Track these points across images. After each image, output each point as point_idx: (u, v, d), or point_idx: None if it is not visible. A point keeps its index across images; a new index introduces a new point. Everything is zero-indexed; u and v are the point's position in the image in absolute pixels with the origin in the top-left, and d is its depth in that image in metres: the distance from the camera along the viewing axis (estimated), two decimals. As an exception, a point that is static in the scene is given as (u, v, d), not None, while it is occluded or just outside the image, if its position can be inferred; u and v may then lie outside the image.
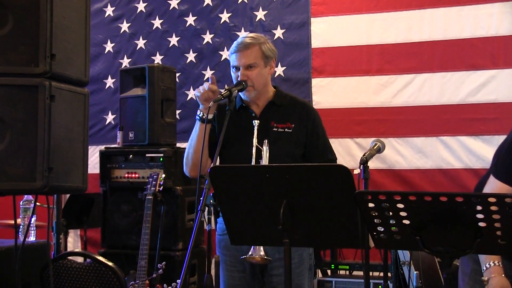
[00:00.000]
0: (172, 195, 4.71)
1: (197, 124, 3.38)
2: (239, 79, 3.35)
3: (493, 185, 2.95)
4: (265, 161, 3.29)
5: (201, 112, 3.36)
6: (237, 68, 3.36)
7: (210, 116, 3.33)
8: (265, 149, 3.31)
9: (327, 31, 5.76)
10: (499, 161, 2.99)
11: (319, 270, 4.62)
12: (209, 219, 3.31)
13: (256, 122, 3.28)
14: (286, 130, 3.34)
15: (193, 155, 3.33)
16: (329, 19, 5.74)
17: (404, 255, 4.42)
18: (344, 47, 5.71)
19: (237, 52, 3.37)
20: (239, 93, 3.34)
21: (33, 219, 4.87)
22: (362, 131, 5.50)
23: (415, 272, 4.31)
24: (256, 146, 3.28)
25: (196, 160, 3.26)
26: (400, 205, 2.26)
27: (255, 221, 2.65)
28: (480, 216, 2.19)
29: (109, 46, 6.50)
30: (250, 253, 3.00)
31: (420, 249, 2.38)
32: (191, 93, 6.24)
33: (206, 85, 3.33)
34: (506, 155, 2.95)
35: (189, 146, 3.40)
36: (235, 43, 3.42)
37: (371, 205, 2.32)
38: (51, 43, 3.32)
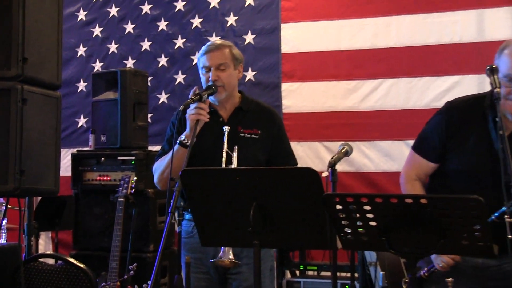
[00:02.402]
0: (144, 198, 4.71)
1: (177, 147, 3.35)
2: (210, 79, 3.35)
3: (409, 157, 3.18)
4: (234, 166, 3.31)
5: (185, 139, 3.32)
6: (207, 69, 3.36)
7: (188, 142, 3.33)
8: (235, 155, 3.32)
9: (297, 37, 5.79)
10: (420, 136, 3.16)
11: (288, 271, 4.64)
12: (180, 221, 3.13)
13: (226, 128, 3.28)
14: (253, 136, 3.36)
15: (168, 175, 3.25)
16: (298, 25, 5.77)
17: (370, 255, 4.46)
18: (314, 52, 5.72)
19: (208, 53, 3.38)
20: (209, 97, 3.37)
21: (4, 221, 4.88)
22: (330, 135, 5.52)
23: (381, 273, 4.34)
24: (227, 152, 3.29)
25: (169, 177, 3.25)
26: (367, 207, 2.27)
27: (225, 223, 2.65)
28: (443, 217, 2.22)
29: (81, 50, 6.51)
30: (219, 256, 3.01)
31: (386, 250, 2.39)
32: (163, 97, 6.26)
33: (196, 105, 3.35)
34: (424, 132, 3.15)
35: (165, 165, 3.36)
36: (205, 46, 3.44)
37: (338, 207, 2.33)
38: (24, 47, 3.40)
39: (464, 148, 3.09)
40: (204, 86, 3.35)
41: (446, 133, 3.12)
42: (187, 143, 3.23)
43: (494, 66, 2.87)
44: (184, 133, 3.35)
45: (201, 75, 3.41)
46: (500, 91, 2.83)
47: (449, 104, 3.21)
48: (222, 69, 3.33)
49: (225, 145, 3.28)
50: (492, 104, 2.99)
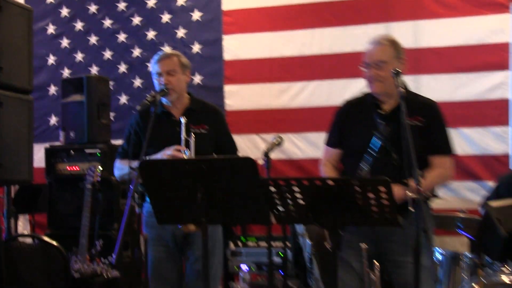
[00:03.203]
0: (108, 184, 4.88)
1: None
2: (162, 83, 3.53)
3: (323, 147, 3.57)
4: (192, 150, 3.47)
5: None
6: (159, 75, 3.56)
7: None
8: (192, 141, 3.48)
9: (237, 47, 6.06)
10: (329, 131, 3.55)
11: (231, 242, 4.89)
12: (140, 204, 3.50)
13: (183, 119, 3.45)
14: (202, 131, 3.54)
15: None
16: (238, 37, 6.05)
17: (300, 228, 4.76)
18: (251, 60, 6.01)
19: (159, 61, 3.59)
20: (162, 98, 3.53)
21: (-14, 208, 5.13)
22: (265, 128, 5.78)
23: (308, 242, 4.69)
24: (185, 138, 3.46)
25: None
26: (296, 189, 2.50)
27: (177, 205, 2.79)
28: (358, 195, 2.45)
29: (51, 59, 6.63)
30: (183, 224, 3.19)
31: (312, 223, 2.63)
32: (124, 99, 6.46)
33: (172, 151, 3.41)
34: (331, 126, 3.54)
35: (126, 173, 3.46)
36: (157, 55, 3.63)
37: (272, 189, 2.55)
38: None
39: (354, 133, 3.48)
40: (157, 89, 3.56)
41: (340, 122, 3.52)
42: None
43: (398, 70, 3.20)
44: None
45: (154, 80, 3.61)
46: (401, 91, 3.15)
47: (345, 101, 3.62)
48: (172, 74, 3.55)
49: (183, 133, 3.46)
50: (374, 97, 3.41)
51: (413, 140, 2.98)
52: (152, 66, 3.64)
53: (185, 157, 3.36)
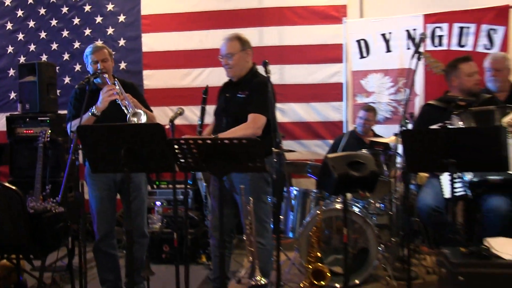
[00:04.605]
0: (56, 143, 5.11)
1: (88, 115, 3.63)
2: (99, 68, 3.67)
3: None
4: (122, 91, 3.63)
5: (96, 110, 3.63)
6: (95, 62, 3.71)
7: (98, 113, 3.63)
8: (118, 85, 3.65)
9: (152, 42, 6.65)
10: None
11: (149, 186, 4.41)
12: (77, 158, 3.48)
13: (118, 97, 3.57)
14: (126, 102, 3.66)
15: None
16: (153, 35, 6.64)
17: (198, 174, 5.24)
18: (163, 51, 6.62)
19: (95, 52, 3.76)
20: (94, 79, 3.72)
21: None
22: (173, 102, 6.30)
23: (204, 184, 5.26)
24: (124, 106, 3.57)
25: None
26: (193, 146, 2.62)
27: (106, 158, 2.89)
28: (234, 149, 2.58)
29: (10, 49, 7.05)
30: None
31: (205, 170, 2.95)
32: (67, 79, 6.88)
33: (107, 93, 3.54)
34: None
35: (75, 124, 3.58)
36: (90, 48, 3.81)
37: (176, 146, 2.67)
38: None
39: (218, 103, 3.71)
40: (91, 73, 3.76)
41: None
42: (97, 114, 3.62)
43: (267, 61, 3.26)
44: (95, 106, 3.61)
45: (90, 66, 3.79)
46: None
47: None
48: (105, 61, 3.76)
49: (110, 80, 3.67)
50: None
51: (239, 107, 3.47)
52: (87, 56, 3.78)
53: (115, 97, 3.54)
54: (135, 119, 3.52)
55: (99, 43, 3.88)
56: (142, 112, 3.57)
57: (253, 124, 3.45)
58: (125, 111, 3.55)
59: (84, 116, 3.51)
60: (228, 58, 3.55)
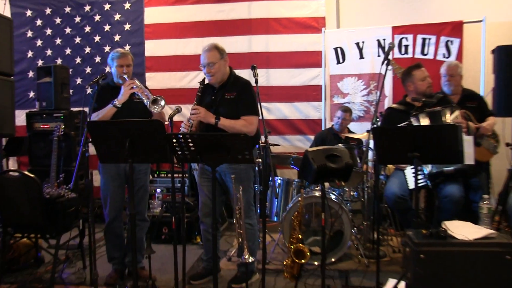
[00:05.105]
0: (69, 137, 5.19)
1: (110, 107, 3.56)
2: (124, 71, 3.63)
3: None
4: (139, 84, 3.53)
5: (118, 102, 3.54)
6: (120, 66, 3.65)
7: (119, 105, 3.55)
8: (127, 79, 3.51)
9: (154, 48, 6.53)
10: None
11: (150, 175, 4.12)
12: (87, 150, 3.42)
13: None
14: (138, 101, 3.61)
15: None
16: (155, 41, 6.53)
17: (195, 165, 4.25)
18: (163, 56, 6.50)
19: (123, 57, 3.68)
20: (114, 79, 3.66)
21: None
22: (173, 101, 5.98)
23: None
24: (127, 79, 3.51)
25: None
26: (190, 140, 2.57)
27: (114, 150, 2.81)
28: (226, 143, 2.54)
29: (30, 54, 6.95)
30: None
31: (201, 162, 2.72)
32: (78, 80, 6.75)
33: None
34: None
35: (102, 115, 3.54)
36: (120, 53, 3.68)
37: (174, 140, 2.62)
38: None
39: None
40: (115, 77, 3.70)
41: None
42: (118, 106, 3.54)
43: (255, 65, 3.29)
44: (117, 99, 3.53)
45: (114, 69, 3.68)
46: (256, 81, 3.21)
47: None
48: (129, 66, 3.72)
49: (128, 78, 3.54)
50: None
51: (228, 107, 3.36)
52: (114, 60, 3.68)
53: (137, 84, 3.48)
54: (155, 106, 3.46)
55: (124, 49, 3.79)
56: (159, 97, 3.49)
57: (249, 125, 3.41)
58: (144, 101, 3.47)
59: (106, 108, 3.50)
60: (210, 67, 3.46)
